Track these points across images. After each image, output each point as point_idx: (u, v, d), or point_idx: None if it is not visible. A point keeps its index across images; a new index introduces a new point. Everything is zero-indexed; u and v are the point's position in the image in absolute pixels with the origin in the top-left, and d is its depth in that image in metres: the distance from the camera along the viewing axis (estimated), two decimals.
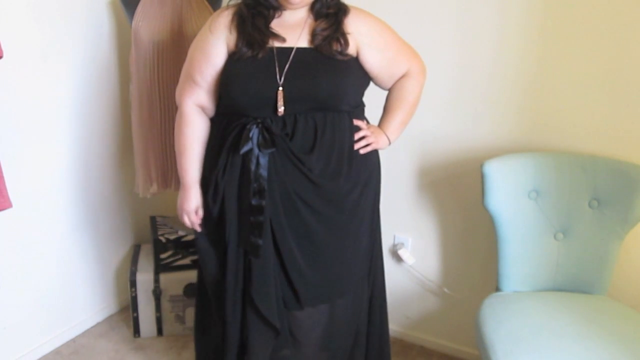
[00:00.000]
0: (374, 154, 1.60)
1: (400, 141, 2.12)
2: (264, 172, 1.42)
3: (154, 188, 2.18)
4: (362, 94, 1.57)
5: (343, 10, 1.48)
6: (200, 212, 1.56)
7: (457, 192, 2.08)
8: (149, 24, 2.03)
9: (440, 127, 2.05)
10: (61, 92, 2.09)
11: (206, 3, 2.10)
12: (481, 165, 1.72)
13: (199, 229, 1.57)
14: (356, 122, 1.52)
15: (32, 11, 1.93)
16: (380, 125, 1.62)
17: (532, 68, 1.86)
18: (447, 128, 2.04)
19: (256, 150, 1.41)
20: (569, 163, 1.74)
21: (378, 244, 1.69)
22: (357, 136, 1.52)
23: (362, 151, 1.53)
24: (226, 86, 1.45)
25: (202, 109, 1.54)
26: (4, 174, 1.64)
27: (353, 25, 1.48)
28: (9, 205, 1.62)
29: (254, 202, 1.43)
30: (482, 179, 1.73)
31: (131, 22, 2.04)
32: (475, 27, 1.91)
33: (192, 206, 1.56)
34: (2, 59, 1.57)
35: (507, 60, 1.89)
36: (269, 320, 1.49)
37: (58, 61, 2.06)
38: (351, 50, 1.47)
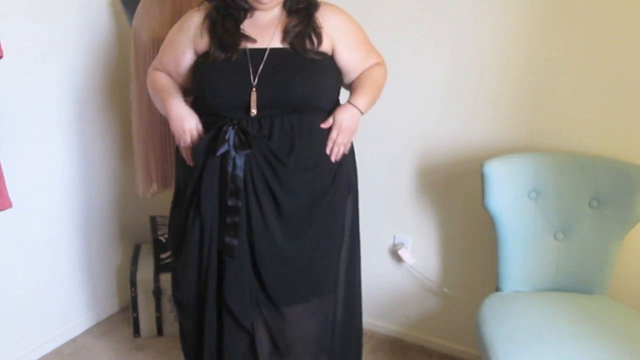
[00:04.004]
0: (350, 157, 1.60)
1: (400, 141, 2.13)
2: (240, 173, 1.42)
3: (154, 188, 2.18)
4: (338, 94, 1.57)
5: (313, 5, 1.49)
6: (200, 127, 1.48)
7: (457, 192, 2.08)
8: (149, 23, 2.02)
9: (440, 127, 2.05)
10: (61, 92, 2.09)
11: (206, 2, 2.10)
12: (481, 165, 1.72)
13: (190, 163, 1.48)
14: (322, 126, 1.48)
15: (31, 11, 1.93)
16: (349, 100, 1.53)
17: (533, 68, 1.86)
18: (447, 128, 2.04)
19: (232, 152, 1.42)
20: (569, 163, 1.74)
21: (358, 240, 1.70)
22: (327, 149, 1.49)
23: (334, 158, 1.51)
24: (200, 88, 1.46)
25: None
26: (4, 174, 1.64)
27: (327, 22, 1.48)
28: (9, 205, 1.62)
29: (229, 202, 1.44)
30: (482, 179, 1.73)
31: (131, 22, 2.04)
32: (475, 26, 1.91)
33: (193, 123, 1.47)
34: (2, 59, 1.57)
35: (507, 60, 1.89)
36: (241, 322, 1.49)
37: (58, 61, 2.06)
38: (326, 47, 1.47)
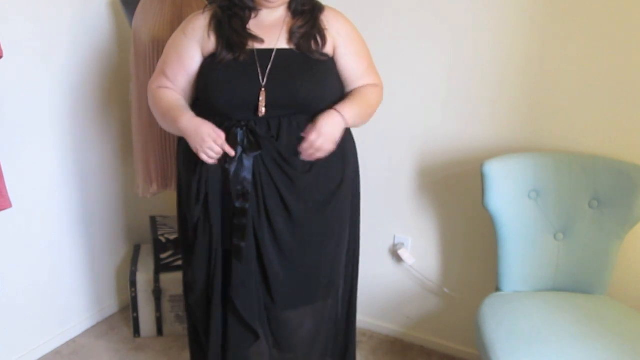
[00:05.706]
0: (352, 154, 1.59)
1: (401, 141, 2.13)
2: (248, 175, 1.41)
3: (154, 188, 2.18)
4: (343, 95, 1.56)
5: (318, 8, 1.50)
6: (222, 133, 1.38)
7: (457, 192, 2.08)
8: (148, 23, 2.02)
9: (440, 127, 2.05)
10: (61, 92, 2.09)
11: (206, 2, 2.10)
12: (481, 165, 1.72)
13: (231, 152, 1.39)
14: (303, 134, 1.42)
15: (31, 11, 1.93)
16: (335, 106, 1.45)
17: (532, 68, 1.86)
18: (447, 128, 2.04)
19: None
20: (569, 163, 1.74)
21: (358, 241, 1.70)
22: (302, 148, 1.41)
23: (305, 157, 1.43)
24: (208, 89, 1.44)
25: None
26: (4, 174, 1.64)
27: (332, 26, 1.49)
28: (9, 205, 1.62)
29: (237, 204, 1.43)
30: (482, 179, 1.73)
31: (131, 22, 2.04)
32: (475, 27, 1.91)
33: (210, 128, 1.38)
34: (2, 59, 1.57)
35: (507, 60, 1.89)
36: (247, 323, 1.49)
37: (58, 61, 2.05)
38: (328, 48, 1.48)
